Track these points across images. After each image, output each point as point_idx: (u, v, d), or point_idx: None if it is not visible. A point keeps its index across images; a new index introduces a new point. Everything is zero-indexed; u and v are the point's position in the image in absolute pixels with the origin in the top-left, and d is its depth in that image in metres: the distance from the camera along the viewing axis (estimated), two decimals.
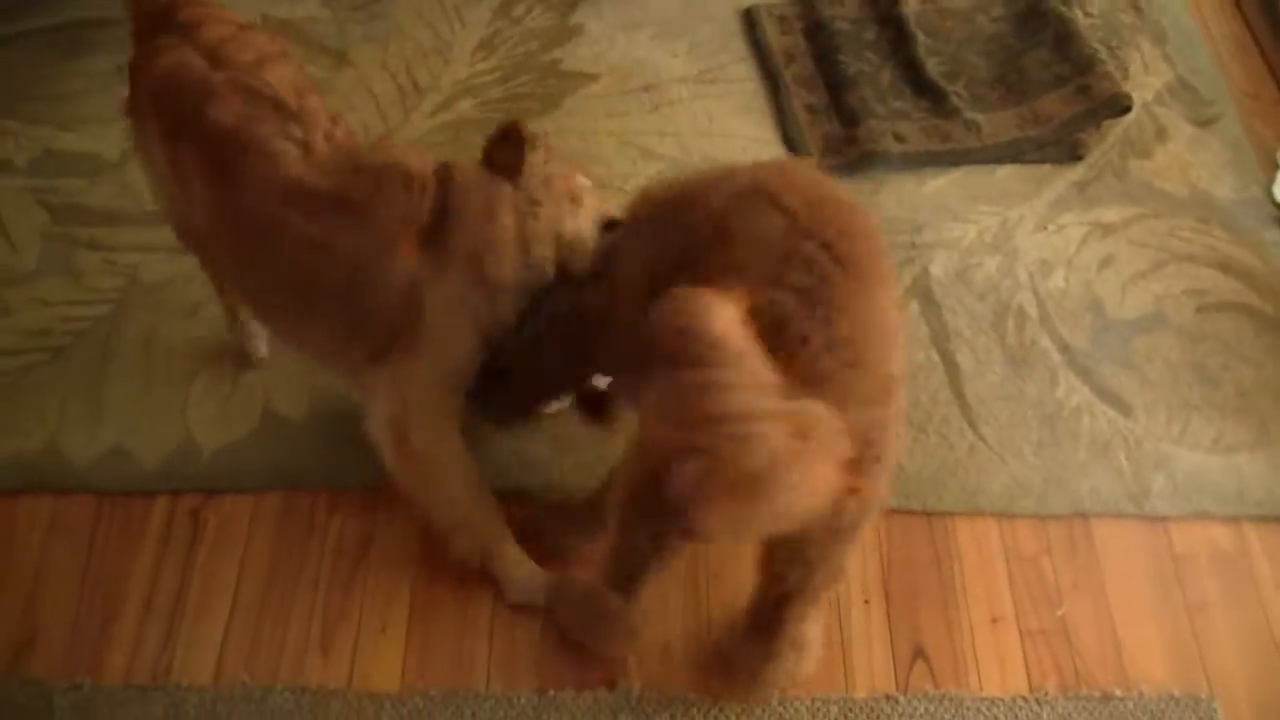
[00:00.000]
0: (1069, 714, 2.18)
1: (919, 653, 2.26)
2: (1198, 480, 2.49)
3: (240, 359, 2.61)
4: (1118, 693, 2.21)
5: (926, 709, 2.18)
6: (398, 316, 2.09)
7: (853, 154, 3.03)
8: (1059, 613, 2.32)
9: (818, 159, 3.03)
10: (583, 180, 2.24)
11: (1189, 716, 2.18)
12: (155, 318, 2.70)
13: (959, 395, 2.60)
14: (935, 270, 2.82)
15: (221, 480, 2.47)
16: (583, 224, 2.17)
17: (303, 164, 2.05)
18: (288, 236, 2.06)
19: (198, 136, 2.06)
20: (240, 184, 2.05)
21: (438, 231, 2.07)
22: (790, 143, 3.11)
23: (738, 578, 2.30)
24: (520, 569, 2.28)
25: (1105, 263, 2.85)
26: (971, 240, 2.89)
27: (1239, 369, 2.67)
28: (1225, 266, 2.86)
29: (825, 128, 3.13)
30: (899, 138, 3.08)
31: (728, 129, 3.14)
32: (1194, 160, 3.09)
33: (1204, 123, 3.19)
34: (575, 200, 2.17)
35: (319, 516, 2.43)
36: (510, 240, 2.10)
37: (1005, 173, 3.06)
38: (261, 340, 2.60)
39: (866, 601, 2.32)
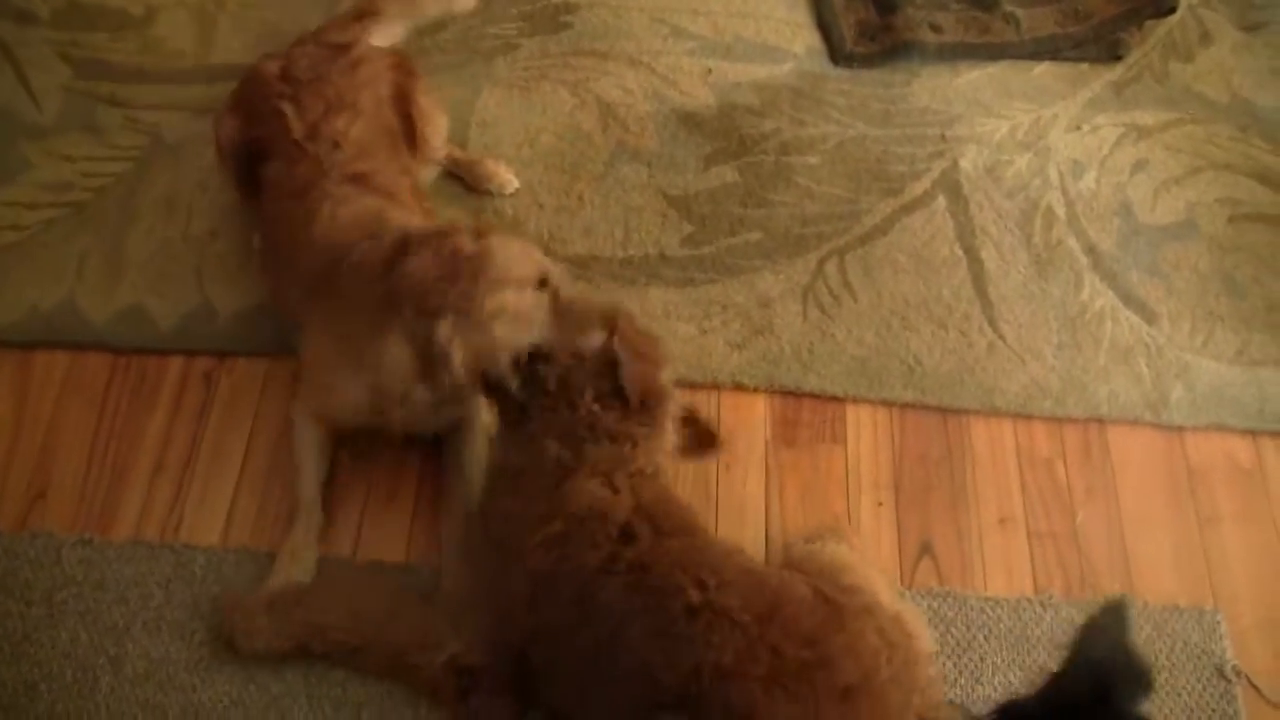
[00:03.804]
0: (1072, 618, 2.17)
1: (926, 549, 2.26)
2: (1218, 392, 2.47)
3: None
4: None
5: (931, 605, 2.18)
6: None
7: (887, 42, 2.97)
8: (1077, 521, 2.31)
9: (850, 46, 2.97)
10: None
11: (1193, 628, 2.18)
12: (175, 177, 2.69)
13: (981, 293, 2.57)
14: (965, 165, 2.77)
15: (235, 343, 2.47)
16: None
17: None
18: None
19: None
20: None
21: None
22: (824, 27, 3.04)
23: None
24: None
25: (1138, 166, 2.80)
26: (1003, 136, 2.84)
27: (1269, 282, 2.63)
28: (1263, 177, 2.80)
29: (860, 14, 3.06)
30: (935, 28, 3.01)
31: (762, 10, 3.08)
32: (1237, 66, 3.03)
33: (1251, 28, 3.11)
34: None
35: None
36: None
37: (1042, 70, 3.00)
38: None
39: (880, 504, 2.32)
